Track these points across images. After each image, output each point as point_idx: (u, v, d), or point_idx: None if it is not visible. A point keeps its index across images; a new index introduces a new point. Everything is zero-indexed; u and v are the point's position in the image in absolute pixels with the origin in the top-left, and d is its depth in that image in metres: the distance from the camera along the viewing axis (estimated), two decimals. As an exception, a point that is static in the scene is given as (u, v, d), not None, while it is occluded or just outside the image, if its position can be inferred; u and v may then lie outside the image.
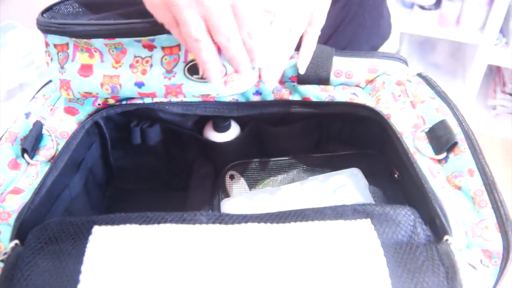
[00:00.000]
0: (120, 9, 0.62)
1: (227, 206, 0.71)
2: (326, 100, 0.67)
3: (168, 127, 0.76)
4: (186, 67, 0.58)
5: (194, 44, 0.52)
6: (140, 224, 0.47)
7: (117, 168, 0.80)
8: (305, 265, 0.43)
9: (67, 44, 0.62)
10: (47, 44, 0.64)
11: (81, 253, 0.45)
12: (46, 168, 0.58)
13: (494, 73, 2.30)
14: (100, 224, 0.47)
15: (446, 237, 0.47)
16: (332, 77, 0.67)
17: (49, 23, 0.60)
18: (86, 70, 0.61)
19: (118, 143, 0.76)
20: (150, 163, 0.81)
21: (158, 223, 0.47)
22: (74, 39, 0.60)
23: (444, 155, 0.56)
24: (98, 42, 0.59)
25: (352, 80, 0.67)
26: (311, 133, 0.77)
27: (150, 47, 0.59)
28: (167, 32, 0.55)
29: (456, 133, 0.56)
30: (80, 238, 0.46)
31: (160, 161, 0.81)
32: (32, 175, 0.57)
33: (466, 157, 0.54)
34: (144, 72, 0.59)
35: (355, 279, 0.42)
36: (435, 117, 0.59)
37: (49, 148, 0.60)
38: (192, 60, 0.58)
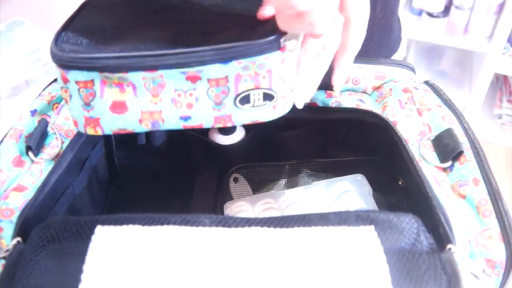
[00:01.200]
0: (156, 29, 0.55)
1: (231, 209, 0.71)
2: (333, 105, 0.66)
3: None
4: (238, 99, 0.53)
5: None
6: (143, 225, 0.47)
7: (121, 167, 0.80)
8: (307, 270, 0.43)
9: (92, 80, 0.51)
10: (66, 81, 0.52)
11: (84, 252, 0.44)
12: (50, 166, 0.58)
13: (500, 82, 2.29)
14: (103, 223, 0.47)
15: (449, 246, 0.47)
16: (339, 83, 0.67)
17: (74, 59, 0.50)
18: (119, 107, 0.53)
19: (123, 143, 0.76)
20: (154, 163, 0.81)
21: (162, 224, 0.47)
22: (105, 74, 0.51)
23: (449, 163, 0.56)
24: (136, 76, 0.51)
25: (359, 86, 0.67)
26: (316, 138, 0.77)
27: (194, 79, 0.52)
28: (217, 61, 0.50)
29: (462, 142, 0.56)
30: (83, 237, 0.46)
31: (165, 162, 0.81)
32: (36, 173, 0.57)
33: (471, 166, 0.54)
34: (189, 106, 0.53)
35: (357, 286, 0.42)
36: (441, 125, 0.59)
37: (54, 146, 0.60)
38: (243, 92, 0.52)
